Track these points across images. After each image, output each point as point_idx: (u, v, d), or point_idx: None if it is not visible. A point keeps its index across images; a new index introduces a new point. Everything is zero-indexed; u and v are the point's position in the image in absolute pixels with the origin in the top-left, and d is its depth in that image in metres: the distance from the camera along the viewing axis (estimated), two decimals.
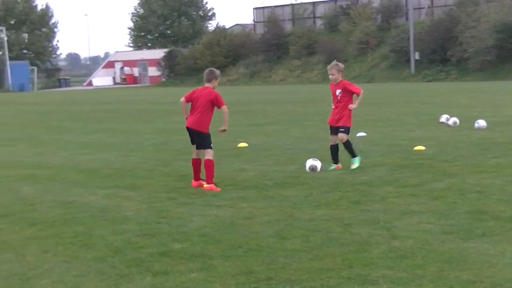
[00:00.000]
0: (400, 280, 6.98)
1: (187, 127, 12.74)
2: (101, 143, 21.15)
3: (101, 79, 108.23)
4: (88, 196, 12.10)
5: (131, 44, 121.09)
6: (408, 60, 74.61)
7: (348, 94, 14.14)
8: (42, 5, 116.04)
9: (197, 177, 12.83)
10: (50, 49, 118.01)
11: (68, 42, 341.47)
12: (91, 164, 16.40)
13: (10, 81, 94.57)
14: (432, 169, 13.91)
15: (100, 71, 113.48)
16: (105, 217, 10.36)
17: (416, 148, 16.96)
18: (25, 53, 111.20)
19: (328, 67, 14.35)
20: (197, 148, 12.80)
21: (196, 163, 12.85)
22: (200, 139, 12.68)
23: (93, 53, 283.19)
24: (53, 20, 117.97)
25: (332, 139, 14.33)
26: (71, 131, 25.90)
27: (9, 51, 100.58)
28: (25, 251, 8.55)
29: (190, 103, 12.79)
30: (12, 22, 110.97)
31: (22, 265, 7.95)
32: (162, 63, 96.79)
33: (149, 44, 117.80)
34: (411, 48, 73.53)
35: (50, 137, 23.66)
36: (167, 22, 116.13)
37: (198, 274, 7.40)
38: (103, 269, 7.70)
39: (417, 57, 73.68)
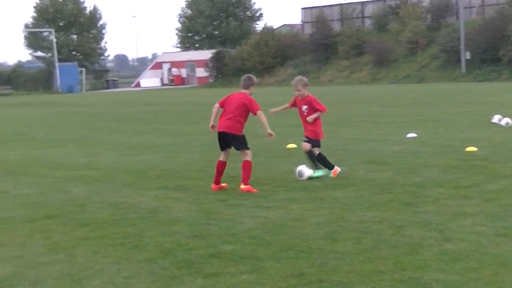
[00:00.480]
0: (454, 283, 6.88)
1: (219, 132, 12.61)
2: (150, 144, 21.21)
3: (149, 80, 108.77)
4: (138, 197, 12.12)
5: (178, 45, 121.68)
6: (459, 60, 73.82)
7: (314, 110, 13.91)
8: (91, 6, 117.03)
9: (217, 181, 12.73)
10: (99, 50, 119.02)
11: (116, 43, 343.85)
12: (140, 165, 16.45)
13: (59, 83, 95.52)
14: (485, 170, 13.72)
15: (148, 72, 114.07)
16: (155, 218, 10.36)
17: (468, 149, 16.73)
18: (73, 54, 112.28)
19: (293, 83, 14.12)
20: (237, 149, 12.69)
21: (222, 165, 12.74)
22: (235, 141, 12.59)
23: (141, 54, 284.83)
24: (101, 22, 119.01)
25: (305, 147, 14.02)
26: (120, 132, 26.03)
27: (58, 52, 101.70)
28: (76, 252, 8.57)
29: (222, 108, 12.74)
30: (61, 24, 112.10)
31: (73, 266, 7.97)
32: (210, 64, 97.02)
33: (197, 45, 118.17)
34: (462, 47, 72.75)
35: (99, 138, 23.79)
36: (215, 23, 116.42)
37: (248, 276, 7.36)
38: (154, 270, 7.69)
39: (468, 56, 72.85)
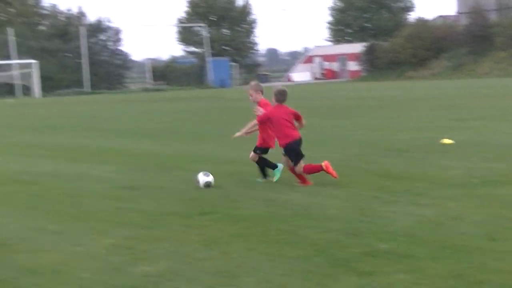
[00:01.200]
0: None
1: (299, 139, 13.04)
2: (304, 139, 21.13)
3: (300, 74, 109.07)
4: (291, 194, 12.08)
5: (330, 39, 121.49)
6: None
7: None
8: (243, 1, 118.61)
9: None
10: (250, 45, 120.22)
11: (267, 37, 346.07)
12: None
13: (211, 77, 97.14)
14: None
15: (299, 66, 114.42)
16: (309, 215, 10.28)
17: None
18: (225, 49, 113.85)
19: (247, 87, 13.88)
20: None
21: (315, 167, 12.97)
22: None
23: (292, 48, 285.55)
24: (252, 16, 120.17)
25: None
26: None
27: (210, 47, 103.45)
28: (230, 248, 8.59)
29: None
30: (213, 19, 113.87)
31: (228, 263, 7.98)
32: (362, 57, 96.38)
33: (348, 38, 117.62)
34: None
35: None
36: (366, 15, 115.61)
37: (405, 276, 7.20)
38: (308, 268, 7.61)
39: None
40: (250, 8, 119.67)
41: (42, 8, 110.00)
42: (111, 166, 16.74)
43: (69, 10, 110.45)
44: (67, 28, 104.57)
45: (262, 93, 13.79)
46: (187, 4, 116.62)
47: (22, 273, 7.86)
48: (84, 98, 72.13)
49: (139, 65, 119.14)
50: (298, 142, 13.05)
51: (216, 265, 7.92)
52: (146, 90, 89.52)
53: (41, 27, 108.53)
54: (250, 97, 13.83)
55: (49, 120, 36.68)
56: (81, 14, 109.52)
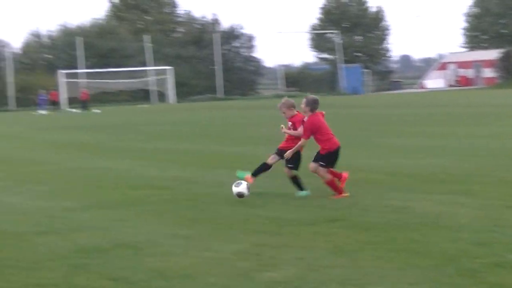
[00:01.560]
0: None
1: (339, 146, 13.06)
2: (435, 147, 20.89)
3: (434, 81, 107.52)
4: (422, 202, 11.91)
5: (465, 45, 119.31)
6: None
7: (295, 128, 13.28)
8: (376, 7, 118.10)
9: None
10: (382, 51, 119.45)
11: (400, 44, 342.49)
12: (424, 168, 16.20)
13: (343, 84, 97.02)
14: None
15: (433, 73, 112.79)
16: (438, 223, 10.13)
17: None
18: (357, 55, 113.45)
19: (278, 106, 13.60)
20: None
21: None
22: None
23: (425, 55, 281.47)
24: (385, 23, 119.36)
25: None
26: (401, 135, 25.85)
27: (343, 54, 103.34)
28: (358, 256, 8.54)
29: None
30: (346, 25, 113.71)
31: (356, 271, 7.94)
32: (498, 64, 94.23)
33: (484, 45, 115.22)
34: None
35: (378, 141, 23.69)
36: (502, 21, 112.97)
37: None
38: (437, 278, 7.50)
39: None
40: (383, 15, 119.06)
41: (178, 15, 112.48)
42: None
43: (203, 17, 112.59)
44: (202, 35, 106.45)
45: (295, 108, 13.56)
46: (320, 11, 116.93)
47: (152, 276, 8.05)
48: (218, 104, 73.25)
49: (272, 71, 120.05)
50: (339, 149, 13.17)
51: (344, 272, 7.90)
52: (278, 96, 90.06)
53: (176, 34, 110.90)
54: (283, 114, 13.64)
55: (183, 126, 37.38)
56: (215, 21, 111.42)
